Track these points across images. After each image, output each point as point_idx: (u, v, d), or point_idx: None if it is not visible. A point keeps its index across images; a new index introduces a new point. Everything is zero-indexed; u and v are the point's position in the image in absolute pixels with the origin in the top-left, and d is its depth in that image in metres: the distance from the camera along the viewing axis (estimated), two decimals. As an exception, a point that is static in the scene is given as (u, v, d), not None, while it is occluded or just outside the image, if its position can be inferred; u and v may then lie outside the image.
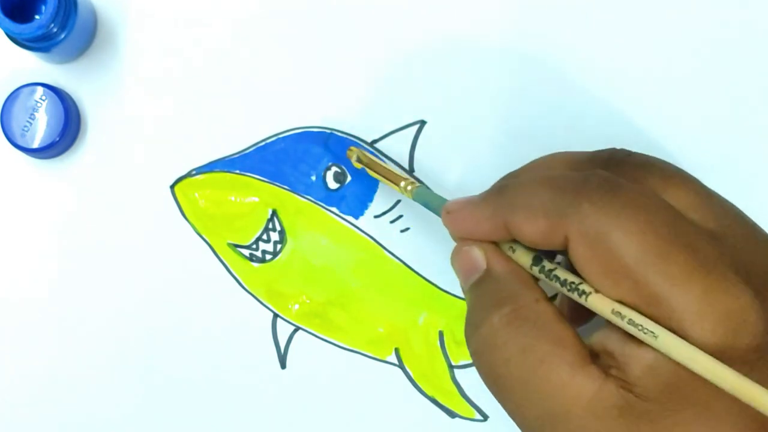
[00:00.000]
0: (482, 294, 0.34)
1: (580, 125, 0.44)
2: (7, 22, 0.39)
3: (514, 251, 0.34)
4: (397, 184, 0.40)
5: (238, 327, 0.44)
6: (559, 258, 0.35)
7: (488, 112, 0.44)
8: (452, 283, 0.44)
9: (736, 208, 0.34)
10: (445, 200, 0.37)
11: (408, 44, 0.44)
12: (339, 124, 0.44)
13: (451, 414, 0.44)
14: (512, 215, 0.32)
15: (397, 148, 0.44)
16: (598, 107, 0.44)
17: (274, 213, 0.44)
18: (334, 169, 0.44)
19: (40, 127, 0.42)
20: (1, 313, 0.44)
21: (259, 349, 0.44)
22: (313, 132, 0.44)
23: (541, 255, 0.33)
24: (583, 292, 0.31)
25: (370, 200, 0.44)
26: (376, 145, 0.44)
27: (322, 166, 0.44)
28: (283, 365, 0.44)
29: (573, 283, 0.31)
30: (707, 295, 0.29)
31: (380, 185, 0.44)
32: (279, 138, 0.44)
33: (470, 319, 0.34)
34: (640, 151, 0.44)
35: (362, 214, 0.44)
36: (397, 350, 0.44)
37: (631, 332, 0.30)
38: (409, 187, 0.40)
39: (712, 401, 0.29)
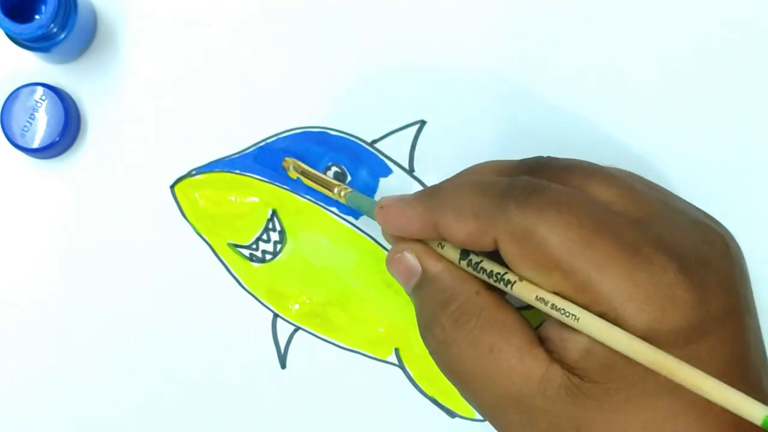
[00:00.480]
0: (425, 297, 0.35)
1: (579, 125, 0.44)
2: (7, 22, 0.39)
3: (442, 247, 0.35)
4: (331, 191, 0.41)
5: (238, 327, 0.44)
6: None
7: (488, 112, 0.44)
8: (452, 283, 0.44)
9: (662, 195, 0.35)
10: (376, 202, 0.38)
11: (408, 44, 0.44)
12: (339, 124, 0.44)
13: (451, 414, 0.44)
14: (442, 216, 0.34)
15: (397, 148, 0.44)
16: (598, 107, 0.44)
17: (274, 213, 0.44)
18: (334, 168, 0.44)
19: (40, 127, 0.42)
20: (1, 313, 0.44)
21: (259, 349, 0.44)
22: (313, 132, 0.44)
23: (468, 250, 0.34)
24: (509, 281, 0.32)
25: (370, 200, 0.44)
26: (376, 145, 0.44)
27: (322, 165, 0.44)
28: (283, 365, 0.44)
29: (498, 273, 0.33)
30: (633, 275, 0.30)
31: (380, 185, 0.44)
32: (279, 138, 0.44)
33: (421, 322, 0.35)
34: (638, 151, 0.44)
35: (362, 214, 0.44)
36: (397, 350, 0.44)
37: (555, 317, 0.31)
38: (342, 193, 0.41)
39: (648, 378, 0.30)
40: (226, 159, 0.44)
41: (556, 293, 0.31)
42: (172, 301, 0.44)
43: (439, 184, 0.36)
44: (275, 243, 0.44)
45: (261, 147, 0.44)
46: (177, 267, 0.44)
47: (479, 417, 0.44)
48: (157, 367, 0.44)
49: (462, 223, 0.33)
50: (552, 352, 0.32)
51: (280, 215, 0.44)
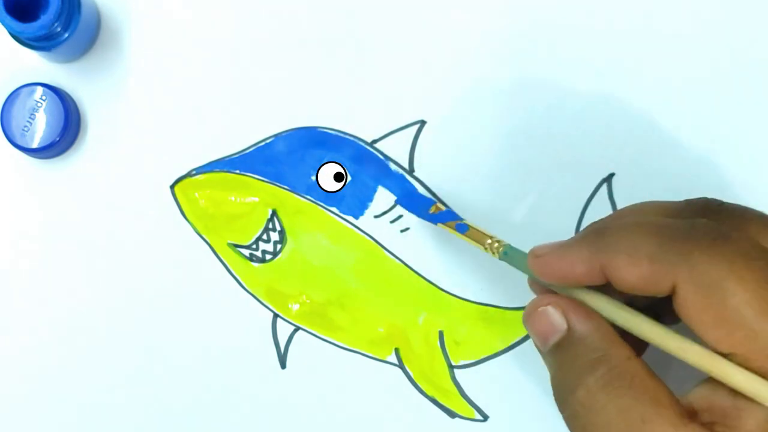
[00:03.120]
0: (570, 357, 0.33)
1: (580, 125, 0.44)
2: (9, 20, 0.39)
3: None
4: (483, 244, 0.39)
5: (238, 327, 0.44)
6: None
7: (488, 112, 0.44)
8: (452, 283, 0.44)
9: None
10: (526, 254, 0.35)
11: (408, 44, 0.44)
12: (339, 124, 0.44)
13: (451, 414, 0.44)
14: (613, 258, 0.31)
15: (397, 148, 0.44)
16: (598, 107, 0.44)
17: (274, 213, 0.44)
18: (335, 168, 0.44)
19: (40, 127, 0.42)
20: (1, 313, 0.44)
21: (259, 349, 0.44)
22: (312, 131, 0.44)
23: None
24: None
25: (370, 200, 0.44)
26: (376, 145, 0.44)
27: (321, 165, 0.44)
28: (283, 365, 0.44)
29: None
30: None
31: (380, 185, 0.44)
32: (279, 138, 0.44)
33: (561, 384, 0.33)
34: (639, 151, 0.44)
35: (362, 214, 0.44)
36: (397, 350, 0.44)
37: (744, 389, 0.29)
38: (495, 245, 0.38)
39: None
40: (226, 159, 0.44)
41: (732, 353, 0.30)
42: (172, 301, 0.44)
43: (602, 224, 0.34)
44: (275, 243, 0.44)
45: (261, 147, 0.44)
46: (177, 267, 0.44)
47: (479, 417, 0.44)
48: (157, 367, 0.44)
49: (635, 267, 0.31)
50: (712, 424, 0.30)
51: (280, 215, 0.44)
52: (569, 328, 0.33)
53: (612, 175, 0.44)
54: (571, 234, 0.43)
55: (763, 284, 0.29)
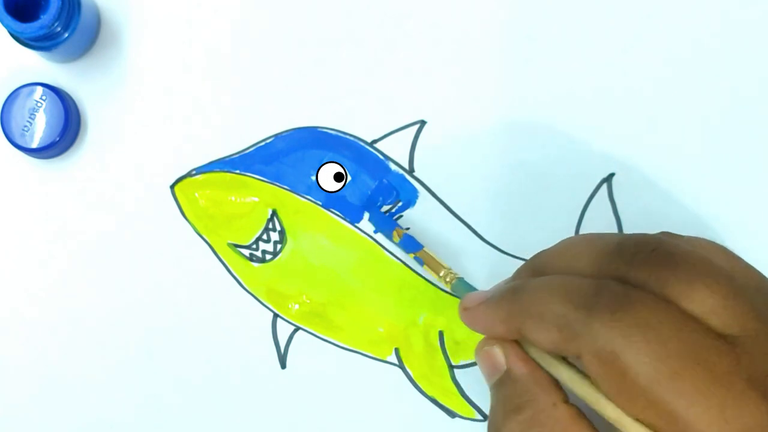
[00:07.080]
0: (502, 396, 0.34)
1: (580, 125, 0.44)
2: (9, 20, 0.39)
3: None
4: (438, 273, 0.41)
5: (238, 327, 0.44)
6: None
7: (488, 112, 0.44)
8: (452, 282, 0.44)
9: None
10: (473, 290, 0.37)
11: (408, 44, 0.44)
12: (339, 124, 0.44)
13: (451, 414, 0.44)
14: (525, 323, 0.33)
15: (397, 148, 0.44)
16: (599, 107, 0.44)
17: (274, 213, 0.44)
18: (335, 168, 0.44)
19: (40, 127, 0.42)
20: (1, 313, 0.44)
21: (259, 349, 0.44)
22: (312, 131, 0.44)
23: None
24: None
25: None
26: (376, 145, 0.44)
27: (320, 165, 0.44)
28: (283, 365, 0.44)
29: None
30: (723, 412, 0.29)
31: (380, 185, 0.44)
32: (278, 138, 0.44)
33: (492, 420, 0.35)
34: (639, 151, 0.44)
35: (361, 218, 0.44)
36: (397, 350, 0.44)
37: None
38: (448, 278, 0.41)
39: None
40: (226, 159, 0.44)
41: (638, 419, 0.30)
42: (172, 301, 0.44)
43: (524, 283, 0.35)
44: (275, 243, 0.44)
45: (261, 147, 0.44)
46: (177, 267, 0.44)
47: (479, 417, 0.44)
48: (157, 367, 0.44)
49: (546, 333, 0.32)
50: None
51: (280, 215, 0.44)
52: (507, 369, 0.35)
53: (612, 175, 0.44)
54: (571, 234, 0.44)
55: (661, 355, 0.29)
